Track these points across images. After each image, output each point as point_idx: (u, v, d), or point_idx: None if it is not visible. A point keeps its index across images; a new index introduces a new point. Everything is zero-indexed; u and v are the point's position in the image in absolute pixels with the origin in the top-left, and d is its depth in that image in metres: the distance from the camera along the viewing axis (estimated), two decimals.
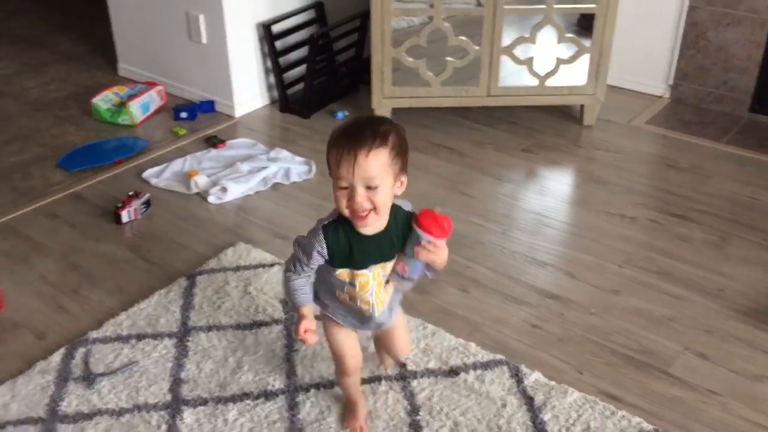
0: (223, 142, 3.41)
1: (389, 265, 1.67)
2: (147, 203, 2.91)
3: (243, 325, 2.30)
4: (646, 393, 2.08)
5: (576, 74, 3.46)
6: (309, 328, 1.67)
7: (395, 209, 1.62)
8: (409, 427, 1.96)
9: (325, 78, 3.88)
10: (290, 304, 1.73)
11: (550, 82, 3.47)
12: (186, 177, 3.10)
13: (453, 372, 2.14)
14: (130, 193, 2.90)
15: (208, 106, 3.72)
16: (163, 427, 1.96)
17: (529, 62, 3.43)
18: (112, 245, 2.72)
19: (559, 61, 3.43)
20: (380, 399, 2.04)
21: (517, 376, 2.12)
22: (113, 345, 2.23)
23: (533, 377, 2.12)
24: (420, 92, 3.48)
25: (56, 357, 2.18)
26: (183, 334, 2.27)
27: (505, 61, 3.41)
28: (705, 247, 2.72)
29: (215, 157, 3.30)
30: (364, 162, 1.47)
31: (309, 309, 1.71)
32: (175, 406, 2.02)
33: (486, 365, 2.16)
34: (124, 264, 2.62)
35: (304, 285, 1.71)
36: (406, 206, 1.65)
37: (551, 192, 3.12)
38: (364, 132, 1.49)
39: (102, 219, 2.86)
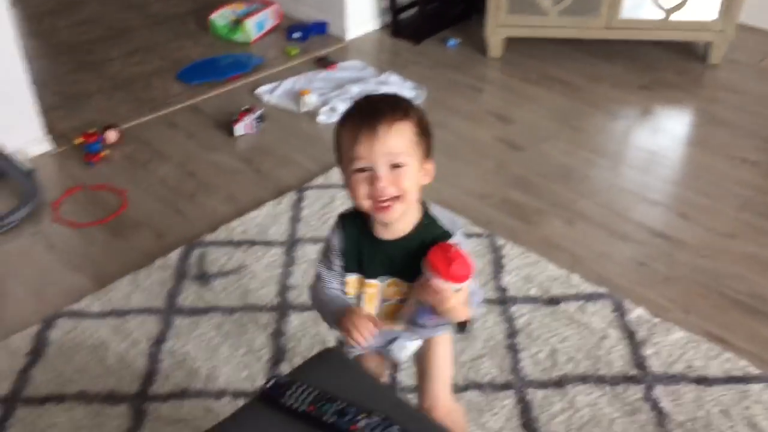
0: (334, 63, 3.44)
1: (407, 289, 1.33)
2: (260, 118, 2.99)
3: None
4: (755, 338, 2.02)
5: (705, 9, 3.26)
6: (351, 327, 1.29)
7: (427, 218, 1.32)
8: (506, 350, 1.99)
9: (438, 4, 3.81)
10: (329, 320, 1.39)
11: (676, 16, 3.29)
12: (297, 95, 3.15)
13: (553, 301, 2.14)
14: (244, 108, 2.99)
15: (321, 28, 3.74)
16: (271, 327, 2.06)
17: None
18: (226, 156, 2.83)
19: None
20: (479, 320, 2.07)
21: (620, 311, 2.10)
22: (226, 249, 2.34)
23: (636, 313, 2.09)
24: (536, 21, 3.38)
25: (174, 255, 2.31)
26: (291, 244, 2.36)
27: None
28: None
29: (326, 78, 3.34)
30: (386, 135, 1.20)
31: (349, 309, 1.33)
32: (282, 309, 2.12)
33: (588, 297, 2.15)
34: (237, 174, 2.72)
35: (335, 292, 1.38)
36: (449, 222, 1.32)
37: (668, 131, 3.00)
38: (381, 106, 1.23)
39: (217, 131, 2.97)
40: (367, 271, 1.35)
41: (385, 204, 1.23)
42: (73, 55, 3.57)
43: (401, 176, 1.22)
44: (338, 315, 1.33)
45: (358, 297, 1.37)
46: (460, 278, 1.22)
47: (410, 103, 1.27)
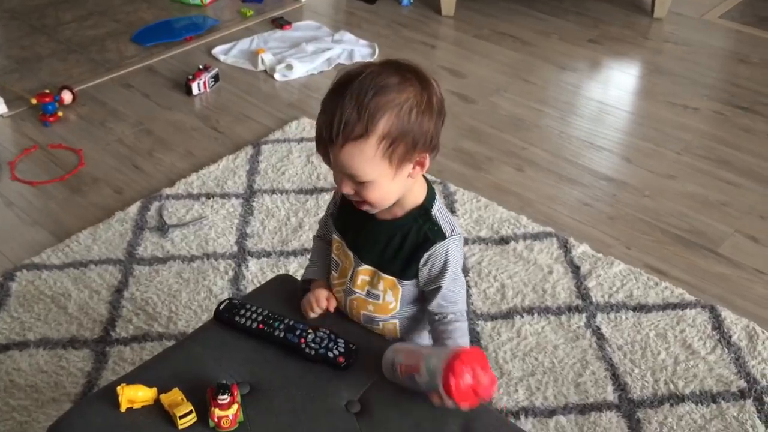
0: (289, 23, 3.46)
1: (377, 280, 1.24)
2: (216, 77, 3.02)
3: (305, 190, 2.42)
4: (692, 269, 2.14)
5: None
6: (311, 299, 1.29)
7: (424, 211, 1.18)
8: None
9: None
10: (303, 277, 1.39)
11: None
12: (253, 55, 3.18)
13: (503, 241, 2.23)
14: (200, 67, 3.01)
15: None
16: (230, 273, 2.12)
17: None
18: (182, 114, 2.85)
19: None
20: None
21: (566, 247, 2.19)
22: (185, 201, 2.38)
23: (581, 249, 2.19)
24: None
25: (133, 209, 2.34)
26: (249, 195, 2.41)
27: None
28: None
29: (281, 38, 3.37)
30: (339, 155, 1.06)
31: (316, 284, 1.33)
32: (241, 256, 2.17)
33: (535, 236, 2.24)
34: (194, 132, 2.76)
35: (319, 250, 1.36)
36: (447, 225, 1.19)
37: (615, 82, 3.10)
38: (344, 105, 1.04)
39: (173, 90, 2.99)
40: (351, 241, 1.25)
41: (356, 202, 1.16)
42: (26, 20, 3.54)
43: (365, 190, 1.10)
44: (306, 284, 1.34)
45: (337, 264, 1.29)
46: (481, 396, 1.08)
47: (393, 97, 1.05)
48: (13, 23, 3.52)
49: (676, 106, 2.88)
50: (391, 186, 1.11)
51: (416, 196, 1.18)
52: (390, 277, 1.22)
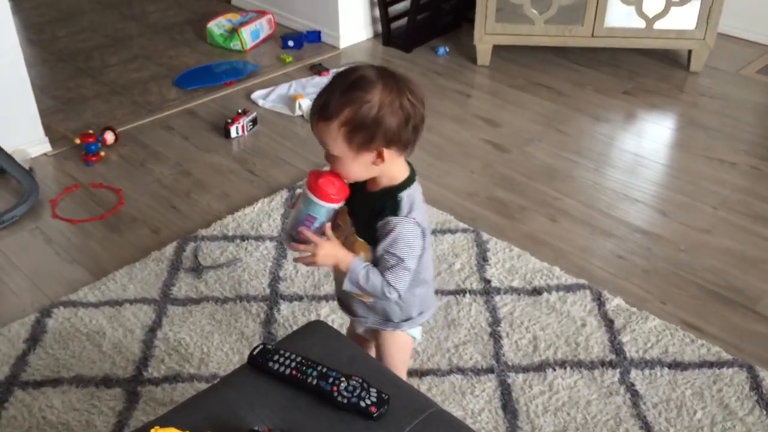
0: (327, 70, 3.53)
1: (353, 240, 1.43)
2: (254, 121, 3.08)
3: None
4: (729, 327, 2.10)
5: (686, 18, 3.36)
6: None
7: (392, 190, 1.38)
8: (489, 336, 2.06)
9: (429, 13, 3.92)
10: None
11: (659, 25, 3.39)
12: (291, 100, 3.24)
13: (535, 292, 2.21)
14: (239, 111, 3.08)
15: (314, 36, 3.85)
16: (262, 315, 2.13)
17: (637, 2, 3.36)
18: (220, 157, 2.91)
19: (670, 3, 3.34)
20: (463, 310, 2.14)
21: (599, 300, 2.17)
22: (220, 243, 2.41)
23: (615, 302, 2.16)
24: (522, 30, 3.48)
25: (169, 249, 2.38)
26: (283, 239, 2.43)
27: (613, 1, 3.35)
28: None
29: (319, 84, 3.43)
30: (316, 130, 1.34)
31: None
32: (273, 299, 2.19)
33: (569, 288, 2.22)
34: (231, 174, 2.80)
35: None
36: (407, 206, 1.37)
37: (650, 134, 3.09)
38: (327, 93, 1.31)
39: (212, 133, 3.05)
40: (350, 206, 1.45)
41: None
42: (72, 62, 3.66)
43: (334, 163, 1.36)
44: None
45: (338, 224, 1.45)
46: (327, 195, 1.35)
47: (358, 95, 1.27)
48: (60, 65, 3.64)
49: (712, 160, 2.86)
50: (353, 166, 1.34)
51: (392, 178, 1.39)
52: (361, 240, 1.42)
